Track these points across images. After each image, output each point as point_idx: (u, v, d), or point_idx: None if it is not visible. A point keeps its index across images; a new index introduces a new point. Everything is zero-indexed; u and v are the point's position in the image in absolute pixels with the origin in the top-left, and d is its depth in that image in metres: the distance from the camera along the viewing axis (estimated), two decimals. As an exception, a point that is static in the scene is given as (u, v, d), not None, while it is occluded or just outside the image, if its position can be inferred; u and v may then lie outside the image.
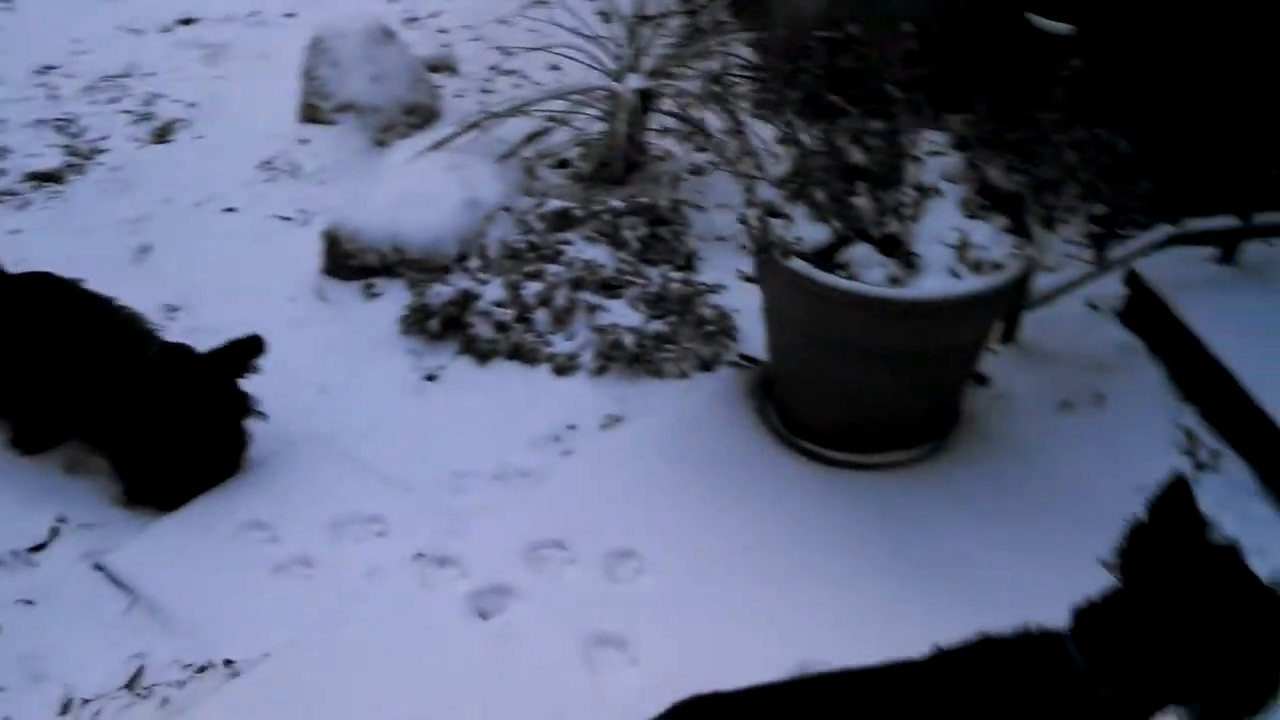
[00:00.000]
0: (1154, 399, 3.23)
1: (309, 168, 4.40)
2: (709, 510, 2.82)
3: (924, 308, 2.63)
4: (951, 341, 2.81)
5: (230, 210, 4.21)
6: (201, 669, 2.45)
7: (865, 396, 2.88)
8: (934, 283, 2.68)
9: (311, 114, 4.58)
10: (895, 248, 2.77)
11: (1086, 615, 1.75)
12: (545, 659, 2.47)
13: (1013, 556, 2.72)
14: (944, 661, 1.82)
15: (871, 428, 2.94)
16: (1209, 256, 3.45)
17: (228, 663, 2.46)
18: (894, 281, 2.69)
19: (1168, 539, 1.69)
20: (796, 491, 2.90)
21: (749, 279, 3.73)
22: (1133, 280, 3.46)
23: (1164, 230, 3.31)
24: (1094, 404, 3.20)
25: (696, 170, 4.37)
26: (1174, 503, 1.70)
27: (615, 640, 2.50)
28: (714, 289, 3.63)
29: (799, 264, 2.71)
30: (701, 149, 4.42)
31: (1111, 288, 3.55)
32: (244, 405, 2.91)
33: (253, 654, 2.47)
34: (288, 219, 4.16)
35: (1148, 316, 3.42)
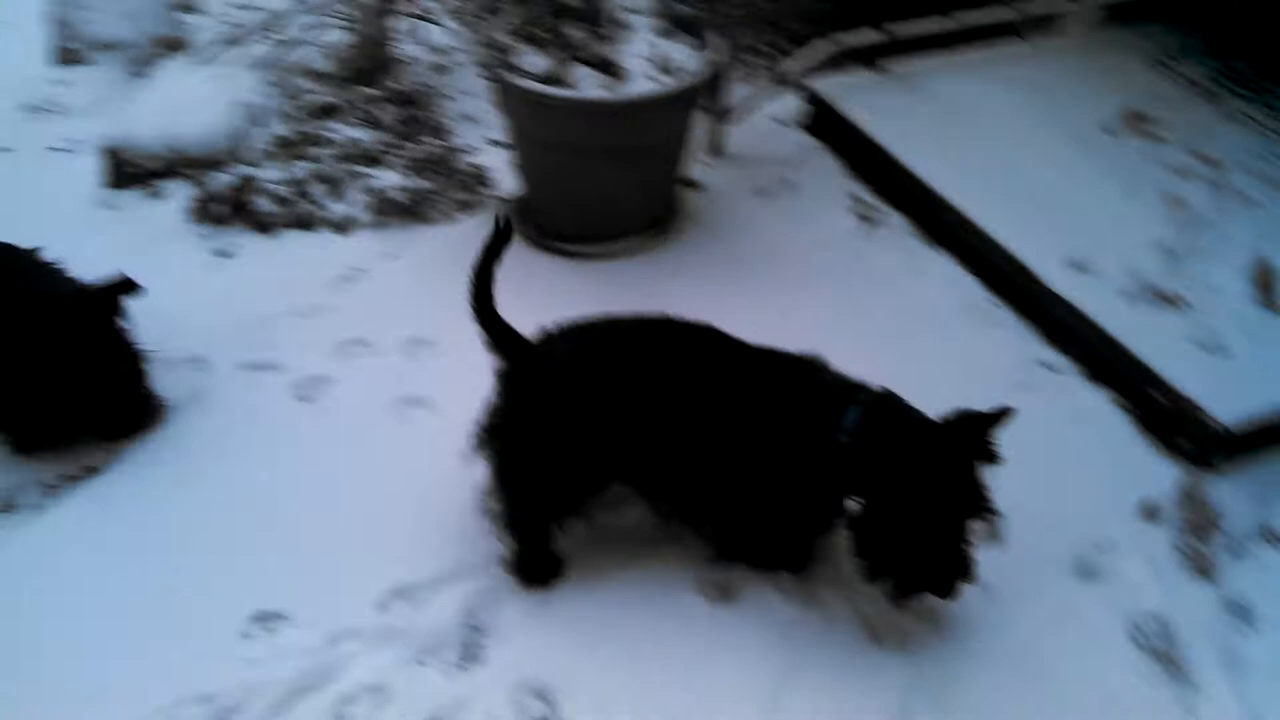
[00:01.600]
0: (832, 180, 3.99)
1: (74, 104, 4.69)
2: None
3: (632, 105, 3.27)
4: (660, 135, 3.46)
5: (4, 150, 4.47)
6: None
7: (598, 192, 3.50)
8: (638, 87, 3.32)
9: (68, 56, 4.85)
10: (606, 66, 3.40)
11: (874, 399, 2.31)
12: (361, 421, 2.99)
13: (729, 304, 3.40)
14: (770, 353, 2.42)
15: (607, 220, 3.57)
16: (863, 68, 4.25)
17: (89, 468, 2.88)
18: (607, 89, 3.31)
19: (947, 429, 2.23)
20: (554, 279, 3.50)
21: (497, 143, 4.31)
22: (808, 94, 4.21)
23: (823, 47, 4.07)
24: (785, 189, 3.93)
25: (440, 68, 4.89)
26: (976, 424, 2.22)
27: (418, 401, 3.04)
28: (467, 150, 4.16)
29: (531, 83, 3.30)
30: (440, 49, 4.95)
31: (794, 106, 4.30)
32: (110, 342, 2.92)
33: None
34: (63, 150, 4.45)
35: (822, 121, 4.17)
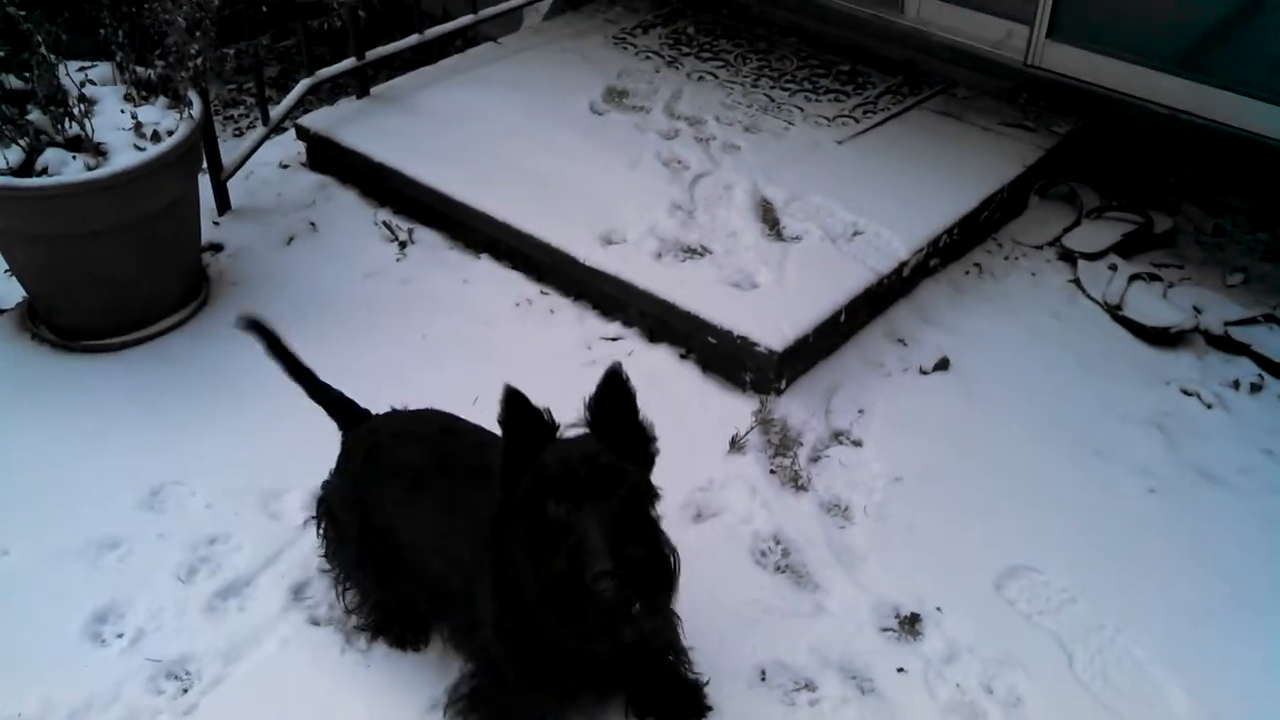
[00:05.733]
0: (354, 212, 3.94)
1: None
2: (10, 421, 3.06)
3: (123, 178, 3.04)
4: (161, 202, 3.21)
5: None
6: None
7: (114, 276, 3.22)
8: (124, 159, 3.08)
9: None
10: (82, 145, 3.13)
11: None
12: None
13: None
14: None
15: (134, 303, 3.30)
16: (350, 96, 4.22)
17: None
18: (91, 169, 3.05)
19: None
20: (89, 381, 3.20)
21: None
22: (303, 132, 4.11)
23: (303, 83, 3.98)
24: (311, 231, 3.82)
25: None
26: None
27: None
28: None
29: (3, 180, 2.97)
30: None
31: (294, 148, 4.19)
32: None
33: None
34: None
35: (325, 156, 4.10)
